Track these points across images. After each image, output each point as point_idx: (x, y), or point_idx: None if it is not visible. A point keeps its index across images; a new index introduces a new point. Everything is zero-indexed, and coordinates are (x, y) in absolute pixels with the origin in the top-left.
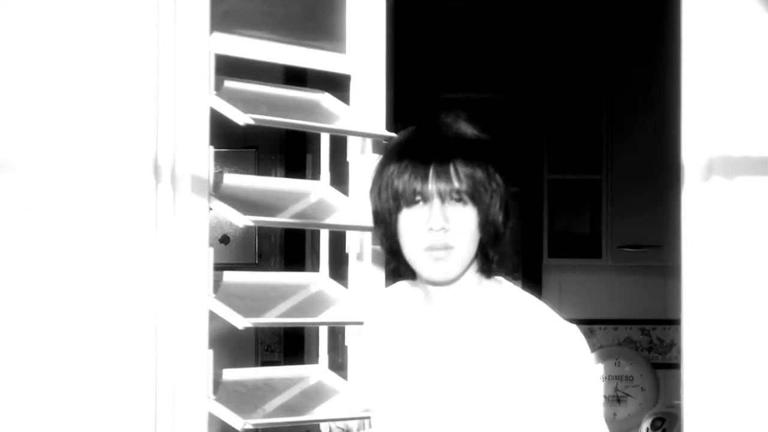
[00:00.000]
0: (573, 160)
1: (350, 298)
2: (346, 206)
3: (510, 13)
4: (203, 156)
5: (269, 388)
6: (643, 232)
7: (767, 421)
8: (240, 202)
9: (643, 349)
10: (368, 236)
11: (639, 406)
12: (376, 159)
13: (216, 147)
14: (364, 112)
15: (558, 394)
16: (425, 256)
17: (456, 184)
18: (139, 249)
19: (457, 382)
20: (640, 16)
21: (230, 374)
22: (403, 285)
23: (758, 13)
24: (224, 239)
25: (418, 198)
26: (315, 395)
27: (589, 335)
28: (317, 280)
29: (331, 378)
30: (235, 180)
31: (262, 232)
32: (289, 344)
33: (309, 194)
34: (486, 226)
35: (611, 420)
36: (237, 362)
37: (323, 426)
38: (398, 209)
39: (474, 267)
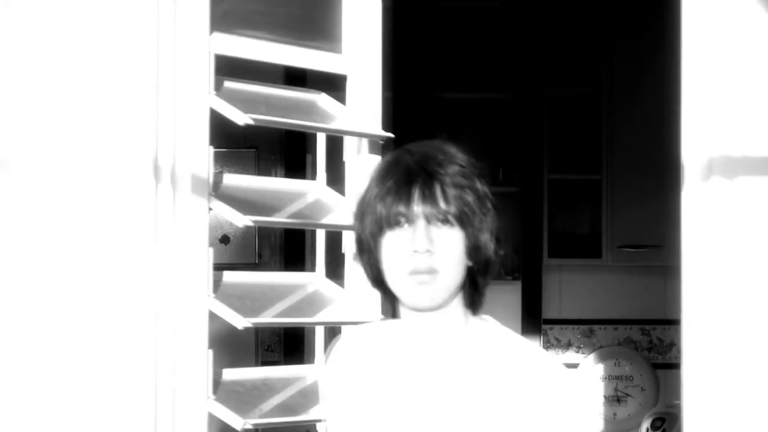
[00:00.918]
0: (573, 160)
1: (346, 298)
2: (343, 206)
3: (510, 12)
4: (203, 156)
5: (267, 388)
6: (643, 232)
7: (767, 420)
8: (240, 202)
9: (643, 349)
10: None
11: (639, 406)
12: (372, 159)
13: (216, 147)
14: (361, 112)
15: None
16: (409, 280)
17: (442, 206)
18: (139, 249)
19: (448, 423)
20: (641, 16)
21: (229, 374)
22: (377, 323)
23: (758, 13)
24: (224, 239)
25: (401, 220)
26: (312, 395)
27: (589, 335)
28: (314, 280)
29: None
30: (234, 180)
31: (262, 232)
32: (289, 344)
33: (306, 194)
34: (474, 251)
35: (611, 420)
36: (237, 362)
37: (320, 426)
38: (381, 233)
39: (460, 300)
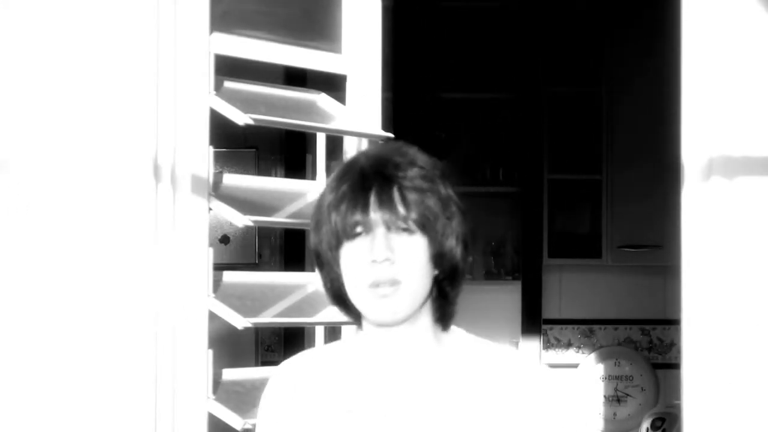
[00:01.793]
0: (573, 160)
1: None
2: None
3: (510, 12)
4: (203, 156)
5: None
6: (643, 232)
7: (767, 420)
8: (240, 202)
9: (643, 349)
10: None
11: (639, 406)
12: None
13: (216, 147)
14: (360, 112)
15: None
16: (370, 293)
17: (401, 211)
18: (139, 249)
19: None
20: (640, 17)
21: (229, 374)
22: (336, 344)
23: (758, 13)
24: (224, 239)
25: (359, 229)
26: None
27: (589, 335)
28: (314, 280)
29: None
30: (235, 180)
31: (262, 232)
32: (289, 344)
33: (306, 194)
34: (440, 259)
35: (611, 420)
36: (237, 362)
37: None
38: (339, 244)
39: (429, 314)
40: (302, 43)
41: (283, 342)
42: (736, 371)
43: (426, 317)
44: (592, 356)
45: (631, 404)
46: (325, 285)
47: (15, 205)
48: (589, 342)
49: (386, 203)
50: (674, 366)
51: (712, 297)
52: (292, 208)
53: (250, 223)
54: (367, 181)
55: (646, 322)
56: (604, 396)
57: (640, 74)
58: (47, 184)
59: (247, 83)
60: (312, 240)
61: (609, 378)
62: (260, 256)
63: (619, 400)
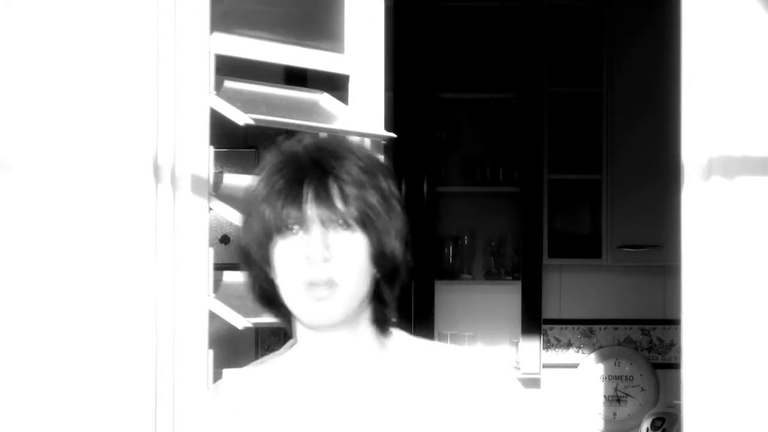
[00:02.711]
0: (573, 160)
1: None
2: None
3: (510, 12)
4: (203, 156)
5: None
6: (643, 232)
7: (767, 420)
8: (240, 202)
9: (643, 349)
10: None
11: (639, 406)
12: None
13: (216, 147)
14: (363, 112)
15: None
16: (304, 295)
17: (340, 207)
18: (140, 249)
19: None
20: (641, 17)
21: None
22: (268, 360)
23: (758, 13)
24: (224, 239)
25: (293, 225)
26: None
27: (589, 335)
28: None
29: None
30: (235, 180)
31: None
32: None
33: None
34: (380, 258)
35: (611, 420)
36: (237, 362)
37: None
38: (270, 240)
39: (367, 317)
40: (304, 43)
41: (283, 342)
42: (736, 371)
43: (366, 320)
44: (592, 356)
45: (631, 404)
46: (251, 285)
47: (15, 205)
48: (589, 342)
49: (323, 198)
50: (674, 366)
51: (712, 297)
52: None
53: None
54: (303, 174)
55: (646, 322)
56: (604, 396)
57: (640, 74)
58: (48, 184)
59: (249, 83)
60: (241, 235)
61: (609, 378)
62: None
63: (619, 400)
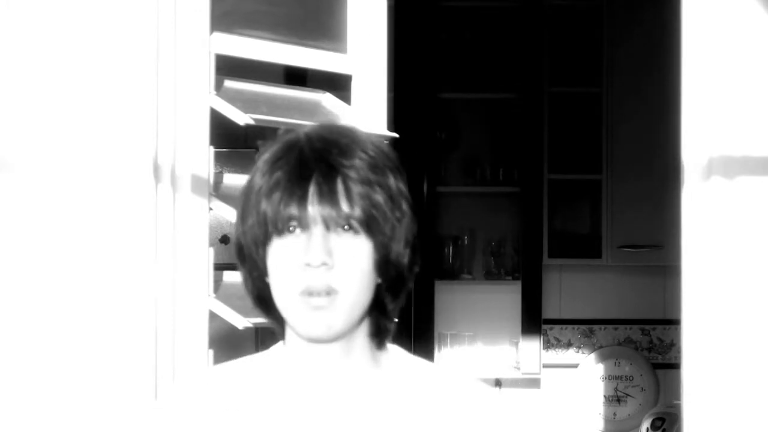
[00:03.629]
0: (573, 160)
1: None
2: None
3: (510, 12)
4: (203, 156)
5: None
6: (643, 232)
7: (766, 420)
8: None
9: (643, 349)
10: None
11: (639, 406)
12: None
13: (216, 147)
14: (366, 112)
15: None
16: (300, 303)
17: (345, 208)
18: (140, 249)
19: None
20: (641, 16)
21: None
22: (250, 359)
23: (758, 13)
24: (224, 239)
25: (293, 225)
26: None
27: (589, 335)
28: None
29: None
30: (235, 180)
31: None
32: None
33: None
34: (385, 265)
35: (611, 420)
36: None
37: None
38: (267, 240)
39: (366, 327)
40: (306, 43)
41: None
42: (736, 371)
43: (363, 333)
44: (592, 356)
45: (631, 404)
46: (246, 286)
47: (16, 205)
48: (589, 342)
49: (327, 196)
50: (674, 366)
51: (712, 297)
52: None
53: None
54: (306, 169)
55: (646, 322)
56: (604, 396)
57: (641, 74)
58: (48, 183)
59: (250, 83)
60: (236, 233)
61: (609, 378)
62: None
63: (619, 400)
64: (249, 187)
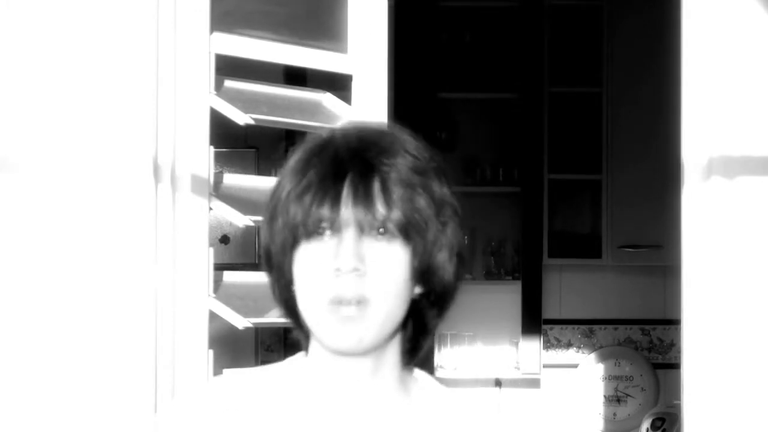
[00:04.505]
0: (573, 160)
1: None
2: None
3: (510, 12)
4: (203, 156)
5: None
6: (643, 232)
7: (767, 420)
8: (240, 202)
9: (643, 349)
10: None
11: (639, 406)
12: None
13: (216, 147)
14: (366, 112)
15: None
16: (329, 313)
17: (382, 211)
18: (140, 249)
19: None
20: (641, 17)
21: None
22: (268, 369)
23: (758, 13)
24: (224, 239)
25: (323, 227)
26: None
27: (589, 335)
28: None
29: None
30: (235, 180)
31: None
32: (290, 344)
33: None
34: (426, 275)
35: (611, 420)
36: (237, 362)
37: None
38: (296, 244)
39: (398, 343)
40: (306, 43)
41: (283, 342)
42: (736, 371)
43: (394, 349)
44: (592, 356)
45: (631, 404)
46: (273, 293)
47: (16, 205)
48: (589, 342)
49: (363, 198)
50: (674, 366)
51: (712, 297)
52: None
53: (251, 223)
54: (341, 168)
55: (646, 322)
56: (604, 396)
57: (641, 74)
58: (48, 183)
59: (250, 83)
60: (263, 235)
61: (609, 378)
62: (260, 256)
63: (619, 400)
64: (278, 190)
